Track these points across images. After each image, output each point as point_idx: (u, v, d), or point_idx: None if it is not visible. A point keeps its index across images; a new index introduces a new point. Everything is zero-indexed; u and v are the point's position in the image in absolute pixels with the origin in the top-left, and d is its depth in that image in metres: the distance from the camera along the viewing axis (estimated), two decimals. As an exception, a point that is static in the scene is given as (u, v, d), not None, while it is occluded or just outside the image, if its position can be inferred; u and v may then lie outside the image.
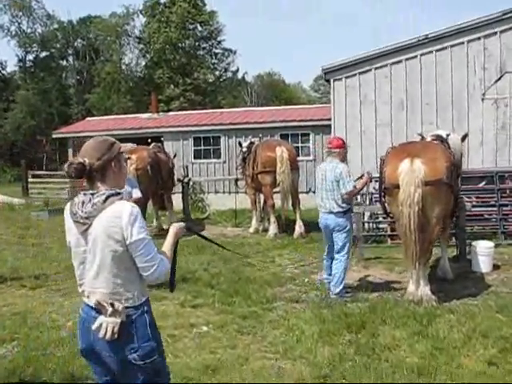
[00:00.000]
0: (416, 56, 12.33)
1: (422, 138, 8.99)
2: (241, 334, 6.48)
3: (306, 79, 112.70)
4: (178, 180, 15.57)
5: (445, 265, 8.84)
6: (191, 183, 16.87)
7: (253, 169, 13.23)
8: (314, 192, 17.82)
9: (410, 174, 7.17)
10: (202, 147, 19.34)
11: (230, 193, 18.19)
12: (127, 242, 2.94)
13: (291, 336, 6.30)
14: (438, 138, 8.70)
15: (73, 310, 7.53)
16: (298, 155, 14.89)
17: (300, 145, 18.38)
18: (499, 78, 11.93)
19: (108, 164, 3.09)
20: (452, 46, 12.15)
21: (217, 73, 53.59)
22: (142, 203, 9.20)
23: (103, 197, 3.00)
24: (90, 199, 3.01)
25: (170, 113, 26.00)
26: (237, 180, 15.06)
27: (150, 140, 15.95)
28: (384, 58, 12.46)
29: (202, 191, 18.50)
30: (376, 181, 9.37)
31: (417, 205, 7.10)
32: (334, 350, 5.86)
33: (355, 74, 12.65)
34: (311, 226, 13.79)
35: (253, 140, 14.51)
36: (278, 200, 13.15)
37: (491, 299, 7.71)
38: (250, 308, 7.43)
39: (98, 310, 2.99)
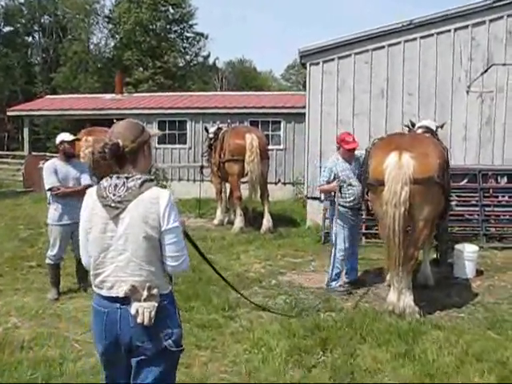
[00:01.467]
0: (399, 42, 11.46)
1: (410, 129, 8.13)
2: (198, 348, 5.58)
3: (278, 68, 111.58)
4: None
5: (426, 270, 8.05)
6: (154, 170, 15.85)
7: (219, 156, 12.25)
8: (284, 183, 17.40)
9: (397, 169, 6.31)
10: (167, 132, 18.20)
11: (194, 181, 17.18)
12: (162, 229, 2.92)
13: (256, 353, 5.40)
14: (428, 130, 7.88)
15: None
16: (268, 144, 13.91)
17: (270, 133, 17.41)
18: (486, 70, 11.16)
19: (141, 147, 3.07)
20: (438, 34, 11.31)
21: (187, 57, 52.50)
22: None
23: (139, 181, 2.95)
24: (124, 183, 2.95)
25: (135, 94, 24.75)
26: (202, 167, 14.06)
27: (115, 121, 14.78)
28: (365, 43, 11.56)
29: (165, 178, 17.41)
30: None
31: (403, 205, 6.25)
32: (305, 373, 4.98)
33: (333, 59, 11.73)
34: (280, 219, 12.95)
35: (220, 126, 13.52)
36: (245, 191, 12.23)
37: (478, 311, 7.03)
38: (210, 315, 6.54)
39: (127, 299, 2.92)
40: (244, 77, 66.14)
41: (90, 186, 7.46)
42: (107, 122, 15.47)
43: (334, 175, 7.70)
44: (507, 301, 7.42)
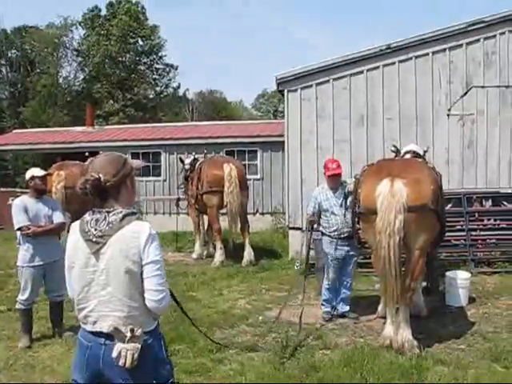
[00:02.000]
0: (378, 67, 11.29)
1: (397, 153, 7.85)
2: (185, 399, 5.10)
3: (248, 98, 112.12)
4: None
5: (419, 300, 7.68)
6: (128, 203, 15.31)
7: (197, 188, 11.84)
8: (262, 213, 17.02)
9: (390, 197, 6.00)
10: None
11: (170, 214, 16.71)
12: (143, 263, 2.88)
13: (250, 401, 4.96)
14: (416, 154, 7.62)
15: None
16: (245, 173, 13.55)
17: (247, 162, 17.06)
18: (465, 93, 11.05)
19: (123, 181, 3.04)
20: (416, 57, 11.19)
21: (158, 88, 52.12)
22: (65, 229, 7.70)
23: (120, 215, 2.93)
24: (106, 217, 2.94)
25: (107, 126, 24.28)
26: (178, 200, 13.62)
27: (87, 154, 14.34)
28: (343, 68, 11.36)
29: (140, 212, 16.89)
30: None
31: (398, 234, 5.93)
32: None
33: (311, 85, 11.49)
34: (260, 251, 12.54)
35: (196, 156, 13.14)
36: (223, 223, 11.83)
37: (478, 342, 6.72)
38: (196, 359, 6.08)
39: (112, 336, 2.88)
40: (214, 107, 66.07)
41: (63, 223, 7.02)
42: (79, 155, 15.05)
43: (318, 205, 7.60)
44: (505, 329, 7.15)
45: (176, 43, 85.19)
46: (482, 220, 10.92)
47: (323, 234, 7.66)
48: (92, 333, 2.95)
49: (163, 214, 17.56)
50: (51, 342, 6.77)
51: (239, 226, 11.74)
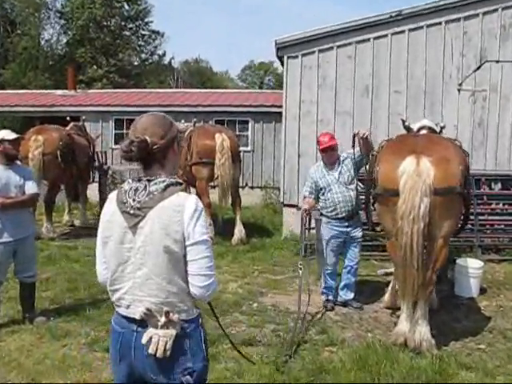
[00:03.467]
0: (386, 35, 10.44)
1: (409, 129, 7.06)
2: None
3: (234, 68, 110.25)
4: (95, 168, 13.16)
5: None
6: (110, 172, 14.44)
7: (186, 159, 10.95)
8: (252, 187, 16.23)
9: (416, 177, 5.23)
10: (125, 131, 16.69)
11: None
12: (187, 243, 2.54)
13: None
14: (432, 131, 6.85)
15: None
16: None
17: (237, 133, 16.18)
18: (478, 67, 10.26)
19: (170, 144, 2.72)
20: (428, 26, 10.35)
21: (143, 55, 50.82)
22: (39, 200, 6.84)
23: (162, 185, 2.60)
24: (146, 186, 2.60)
25: (90, 90, 23.15)
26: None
27: (68, 119, 13.37)
28: (349, 35, 10.49)
29: (122, 181, 15.91)
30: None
31: (422, 220, 5.18)
32: None
33: (314, 52, 10.62)
34: (251, 228, 11.76)
35: (186, 124, 12.25)
36: (213, 196, 11.01)
37: (498, 341, 6.11)
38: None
39: (145, 321, 2.57)
40: (200, 77, 64.84)
41: (36, 194, 6.15)
42: (59, 119, 14.04)
43: (314, 184, 6.96)
44: None
45: (163, 10, 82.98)
46: (490, 204, 10.24)
47: (322, 214, 7.00)
48: (126, 318, 2.65)
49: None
50: (20, 329, 5.93)
51: (230, 200, 10.92)
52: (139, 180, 2.66)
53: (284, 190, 11.12)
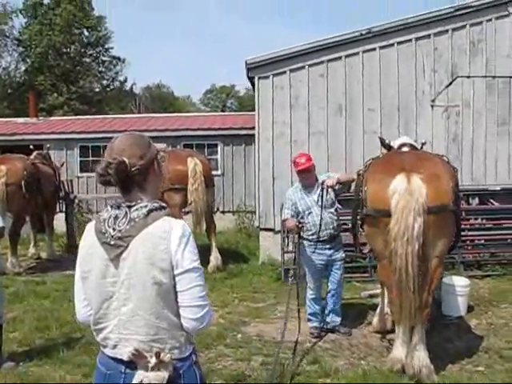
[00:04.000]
0: (358, 53, 10.34)
1: (390, 147, 6.87)
2: None
3: (196, 93, 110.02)
4: (61, 198, 12.67)
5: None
6: (77, 201, 13.93)
7: (157, 185, 10.56)
8: (223, 212, 15.89)
9: (408, 196, 5.01)
10: (91, 158, 16.26)
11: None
12: (176, 272, 2.30)
13: None
14: (412, 148, 6.67)
15: None
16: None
17: (207, 157, 15.87)
18: (450, 83, 10.23)
19: (151, 165, 2.49)
20: (399, 44, 10.31)
21: (104, 82, 50.27)
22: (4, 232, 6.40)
23: (144, 210, 2.38)
24: (127, 213, 2.38)
25: (52, 118, 22.57)
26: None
27: (32, 147, 12.87)
28: (320, 54, 10.35)
29: (89, 211, 15.43)
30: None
31: (417, 240, 4.96)
32: None
33: (285, 72, 10.44)
34: (226, 254, 11.40)
35: (163, 146, 11.94)
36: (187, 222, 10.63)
37: (496, 361, 5.92)
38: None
39: (134, 362, 2.31)
40: (162, 102, 64.57)
41: (2, 228, 5.74)
42: (21, 148, 13.51)
43: (294, 205, 6.68)
44: None
45: (123, 36, 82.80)
46: (469, 219, 10.14)
47: (302, 238, 6.64)
48: (112, 359, 2.41)
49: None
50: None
51: (204, 226, 10.57)
52: (118, 207, 2.43)
53: (259, 213, 10.82)
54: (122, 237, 2.35)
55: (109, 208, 2.47)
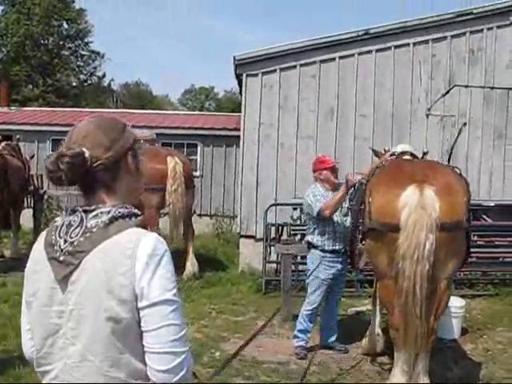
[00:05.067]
0: (353, 55, 9.83)
1: (392, 154, 6.34)
2: None
3: (174, 92, 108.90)
4: (30, 192, 11.95)
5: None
6: (46, 197, 13.17)
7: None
8: (200, 215, 15.22)
9: (420, 210, 4.46)
10: (64, 153, 15.49)
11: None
12: (140, 305, 1.67)
13: None
14: (413, 157, 6.19)
15: None
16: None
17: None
18: (447, 92, 9.78)
19: (123, 159, 1.84)
20: (396, 47, 9.82)
21: (82, 76, 49.36)
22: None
23: (105, 218, 1.74)
24: (82, 220, 1.75)
25: (25, 108, 21.69)
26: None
27: (0, 138, 12.11)
28: (313, 53, 9.80)
29: (59, 208, 14.63)
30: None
31: (427, 260, 4.41)
32: None
33: (275, 70, 9.87)
34: (203, 260, 10.75)
35: (149, 133, 11.30)
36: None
37: None
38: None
39: None
40: (140, 100, 63.76)
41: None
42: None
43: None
44: None
45: (104, 31, 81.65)
46: (461, 236, 9.67)
47: (313, 246, 6.06)
48: None
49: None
50: None
51: (182, 230, 9.92)
52: (74, 211, 1.81)
53: (241, 219, 10.21)
54: (74, 252, 1.73)
55: (63, 214, 1.85)
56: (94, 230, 1.74)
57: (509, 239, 9.73)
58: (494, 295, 8.94)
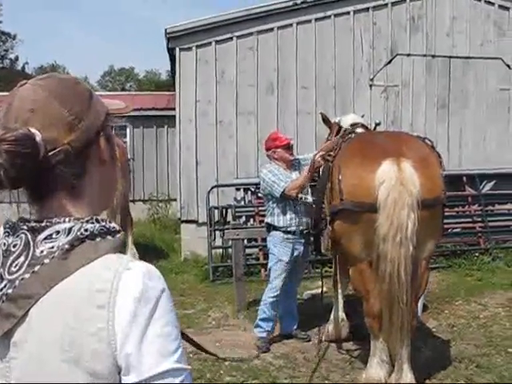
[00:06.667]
0: (291, 24, 9.30)
1: (339, 128, 5.89)
2: None
3: (93, 74, 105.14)
4: None
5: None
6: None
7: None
8: (133, 201, 14.37)
9: (399, 186, 4.03)
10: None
11: (19, 203, 13.50)
12: (126, 382, 1.01)
13: None
14: (364, 128, 5.81)
15: None
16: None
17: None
18: (389, 61, 9.47)
19: (92, 144, 1.16)
20: (336, 16, 9.38)
21: (-8, 59, 46.74)
22: None
23: (64, 240, 1.06)
24: (29, 244, 1.07)
25: None
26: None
27: None
28: (249, 24, 9.21)
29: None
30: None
31: (411, 241, 4.00)
32: None
33: (210, 43, 9.22)
34: (142, 249, 10.07)
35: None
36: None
37: (476, 374, 5.28)
38: None
39: None
40: (58, 83, 61.31)
41: None
42: None
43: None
44: (489, 348, 5.78)
45: (14, 10, 77.40)
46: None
47: (274, 227, 5.59)
48: None
49: (10, 203, 14.30)
50: None
51: (119, 219, 9.18)
52: (14, 230, 1.13)
53: (181, 203, 9.58)
54: (15, 297, 1.05)
55: (8, 230, 1.15)
56: (47, 260, 1.07)
57: (455, 209, 9.62)
58: (447, 267, 8.82)
